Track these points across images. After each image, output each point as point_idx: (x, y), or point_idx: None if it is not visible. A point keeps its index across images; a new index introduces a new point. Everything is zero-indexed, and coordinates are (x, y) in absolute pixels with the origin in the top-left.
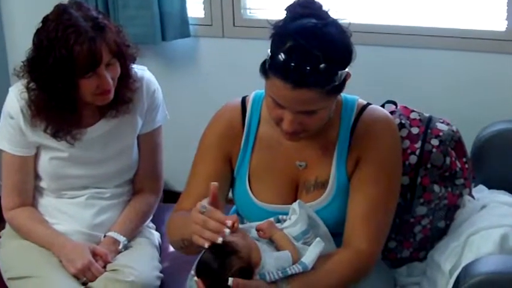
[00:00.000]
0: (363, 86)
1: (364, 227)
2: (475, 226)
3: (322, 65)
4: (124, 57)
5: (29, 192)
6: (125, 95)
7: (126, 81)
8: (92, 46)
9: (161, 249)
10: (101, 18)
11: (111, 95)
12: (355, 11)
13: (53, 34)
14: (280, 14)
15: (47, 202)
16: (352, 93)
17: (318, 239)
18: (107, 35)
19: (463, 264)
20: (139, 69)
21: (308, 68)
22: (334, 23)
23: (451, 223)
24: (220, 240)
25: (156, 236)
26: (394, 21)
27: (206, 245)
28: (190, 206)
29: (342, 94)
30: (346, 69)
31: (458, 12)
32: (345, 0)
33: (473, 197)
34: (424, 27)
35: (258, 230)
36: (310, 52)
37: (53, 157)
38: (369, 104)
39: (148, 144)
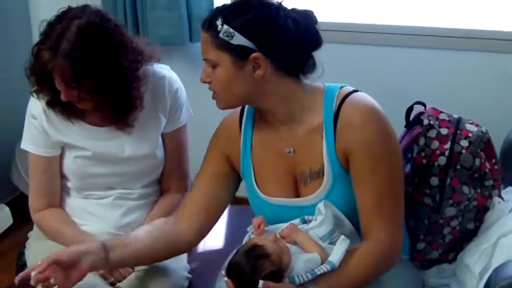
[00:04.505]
0: (392, 86)
1: (378, 219)
2: (505, 228)
3: (223, 15)
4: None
5: (56, 193)
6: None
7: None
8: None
9: None
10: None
11: (79, 104)
12: (386, 13)
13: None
14: None
15: (74, 203)
16: (381, 93)
17: (342, 236)
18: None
19: (493, 267)
20: (163, 69)
21: (215, 16)
22: (268, 5)
23: (481, 225)
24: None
25: None
26: (424, 23)
27: None
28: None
29: (326, 83)
30: (250, 43)
31: (485, 14)
32: (376, 1)
33: (502, 198)
34: (453, 29)
35: (280, 237)
36: (226, 6)
37: (78, 156)
38: (355, 91)
39: (174, 143)
